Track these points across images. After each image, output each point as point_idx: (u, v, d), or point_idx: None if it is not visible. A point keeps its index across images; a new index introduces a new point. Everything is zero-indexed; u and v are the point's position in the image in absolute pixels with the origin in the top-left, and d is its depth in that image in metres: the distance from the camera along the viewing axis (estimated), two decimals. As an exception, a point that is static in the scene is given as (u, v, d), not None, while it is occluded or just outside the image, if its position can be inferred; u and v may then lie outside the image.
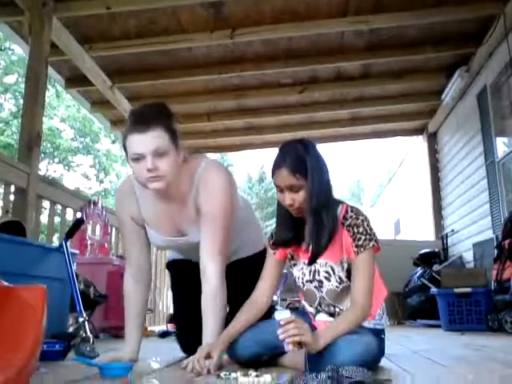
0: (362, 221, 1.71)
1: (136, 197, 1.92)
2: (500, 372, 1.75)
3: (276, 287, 1.94)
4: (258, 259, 1.98)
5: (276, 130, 6.69)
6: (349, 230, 1.70)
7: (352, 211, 1.75)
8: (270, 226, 21.96)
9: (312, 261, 1.76)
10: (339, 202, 1.78)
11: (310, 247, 1.73)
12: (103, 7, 3.79)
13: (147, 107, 1.78)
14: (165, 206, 1.90)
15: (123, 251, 4.04)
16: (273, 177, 1.74)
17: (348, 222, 1.71)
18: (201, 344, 1.73)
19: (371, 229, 1.72)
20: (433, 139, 6.94)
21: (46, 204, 3.69)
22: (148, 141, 1.66)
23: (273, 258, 1.88)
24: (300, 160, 1.67)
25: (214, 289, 1.83)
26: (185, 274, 2.25)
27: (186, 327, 2.18)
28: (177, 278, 2.39)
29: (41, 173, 3.47)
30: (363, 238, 1.68)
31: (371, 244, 1.69)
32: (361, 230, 1.69)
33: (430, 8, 4.03)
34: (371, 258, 1.70)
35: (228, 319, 1.85)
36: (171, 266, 2.40)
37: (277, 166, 1.71)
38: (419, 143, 7.68)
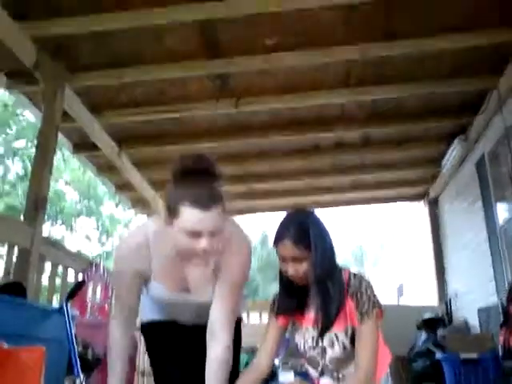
0: (366, 288, 1.72)
1: (149, 250, 1.81)
2: None
3: (277, 352, 1.91)
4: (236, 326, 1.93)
5: (279, 195, 6.76)
6: (352, 298, 1.71)
7: (355, 278, 1.75)
8: (272, 289, 21.56)
9: (322, 333, 1.74)
10: (342, 269, 1.80)
11: (320, 320, 1.73)
12: (115, 77, 3.96)
13: (209, 184, 1.68)
14: (181, 261, 1.83)
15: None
16: (275, 247, 1.75)
17: (352, 290, 1.72)
18: None
19: (374, 295, 1.72)
20: (434, 205, 6.98)
21: (48, 265, 3.69)
22: (208, 220, 1.61)
23: (275, 324, 1.87)
24: (303, 231, 1.70)
25: (224, 353, 1.78)
26: (172, 337, 2.05)
27: None
28: (161, 342, 2.08)
29: (44, 234, 3.50)
30: (367, 305, 1.68)
31: (375, 311, 1.69)
32: (364, 297, 1.70)
33: (430, 80, 4.17)
34: (375, 324, 1.70)
35: None
36: (149, 328, 2.13)
37: (280, 238, 1.73)
38: (420, 208, 7.73)
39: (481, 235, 5.26)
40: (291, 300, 1.81)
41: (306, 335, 1.80)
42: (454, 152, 5.29)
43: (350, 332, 1.71)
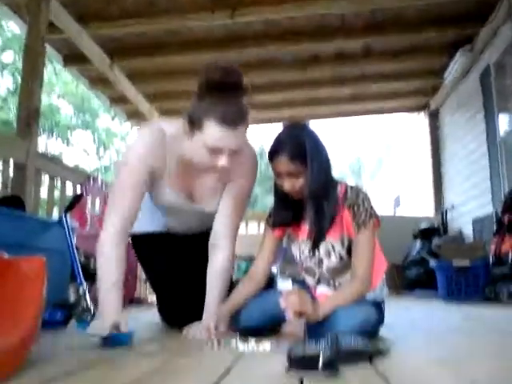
0: (363, 199, 1.71)
1: (165, 151, 1.75)
2: (497, 341, 1.77)
3: (274, 262, 1.95)
4: None
5: (277, 107, 6.63)
6: (349, 210, 1.70)
7: (352, 190, 1.74)
8: (269, 201, 21.95)
9: (314, 246, 1.76)
10: (338, 182, 1.78)
11: (312, 233, 1.73)
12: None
13: (236, 100, 1.62)
14: (193, 170, 1.80)
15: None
16: (271, 162, 1.72)
17: (349, 202, 1.71)
18: (192, 316, 1.74)
19: (371, 207, 1.72)
20: (434, 116, 6.89)
21: (46, 179, 3.68)
22: (233, 138, 1.59)
23: (271, 236, 1.88)
24: (299, 146, 1.65)
25: (227, 259, 1.86)
26: (172, 247, 2.09)
27: (179, 300, 2.05)
28: (161, 252, 2.10)
29: (40, 150, 3.45)
30: (363, 215, 1.68)
31: (371, 221, 1.69)
32: (361, 208, 1.69)
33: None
34: (372, 235, 1.71)
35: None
36: (144, 240, 2.12)
37: (275, 153, 1.68)
38: (420, 120, 7.63)
39: (480, 147, 5.25)
40: (286, 213, 1.81)
41: (302, 246, 1.82)
42: (457, 63, 5.12)
43: (346, 243, 1.73)
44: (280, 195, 1.78)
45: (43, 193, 3.77)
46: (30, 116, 3.40)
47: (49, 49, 4.45)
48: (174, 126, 1.75)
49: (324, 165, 1.70)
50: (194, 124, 1.59)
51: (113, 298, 1.61)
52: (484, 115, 5.11)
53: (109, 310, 1.58)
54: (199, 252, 1.98)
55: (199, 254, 1.98)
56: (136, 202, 1.73)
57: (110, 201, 1.77)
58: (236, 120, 1.57)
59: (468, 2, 4.23)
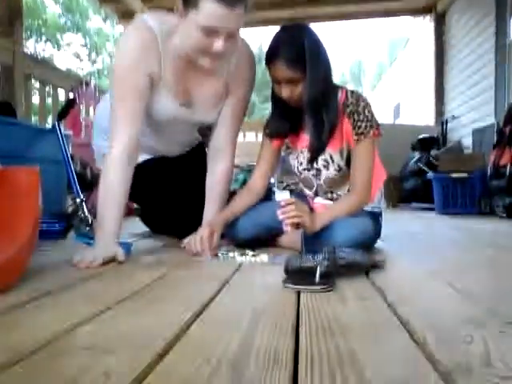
0: (364, 107, 1.64)
1: (159, 51, 1.60)
2: (490, 253, 1.81)
3: (272, 173, 1.92)
4: None
5: (276, 6, 6.26)
6: (349, 117, 1.64)
7: (352, 96, 1.66)
8: (268, 108, 21.59)
9: (313, 158, 1.72)
10: (338, 87, 1.70)
11: (312, 145, 1.68)
12: None
13: None
14: (190, 71, 1.67)
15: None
16: (268, 67, 1.61)
17: (349, 109, 1.64)
18: (191, 226, 1.74)
19: (372, 115, 1.66)
20: (441, 19, 6.55)
21: (36, 85, 3.55)
22: (231, 19, 1.45)
23: (269, 146, 1.83)
24: (298, 50, 1.54)
25: (228, 169, 1.84)
26: (161, 173, 2.00)
27: (171, 213, 2.01)
28: (150, 182, 1.98)
29: (28, 51, 3.27)
30: (364, 125, 1.63)
31: (372, 131, 1.64)
32: (361, 116, 1.63)
33: None
34: (371, 145, 1.66)
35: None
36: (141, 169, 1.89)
37: (273, 57, 1.57)
38: (426, 24, 7.25)
39: (488, 52, 5.04)
40: (284, 122, 1.74)
41: (300, 157, 1.78)
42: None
43: (345, 153, 1.69)
44: (278, 103, 1.71)
45: (35, 100, 3.65)
46: (12, 14, 3.20)
47: None
48: (162, 21, 1.60)
49: (324, 70, 1.61)
50: (189, 2, 1.45)
51: (112, 229, 1.50)
52: (495, 16, 4.84)
53: (106, 242, 1.48)
54: (190, 171, 1.96)
55: (190, 173, 1.96)
56: (139, 111, 1.60)
57: (111, 117, 1.61)
58: None
59: None
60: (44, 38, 16.72)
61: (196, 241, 1.59)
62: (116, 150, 1.55)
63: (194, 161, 1.99)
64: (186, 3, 1.46)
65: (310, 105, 1.60)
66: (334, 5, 6.33)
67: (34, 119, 4.00)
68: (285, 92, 1.60)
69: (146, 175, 1.89)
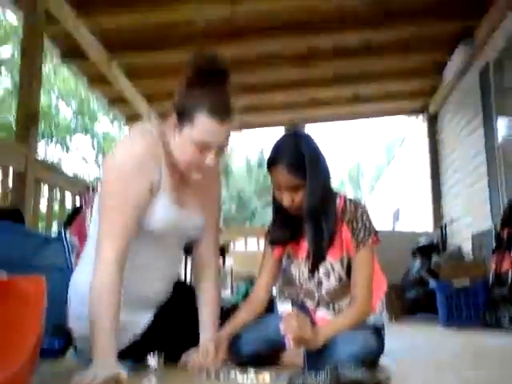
0: (362, 214, 1.69)
1: (161, 158, 1.58)
2: (497, 372, 1.76)
3: (274, 283, 1.93)
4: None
5: (276, 109, 6.60)
6: (348, 225, 1.69)
7: (351, 204, 1.72)
8: (268, 214, 21.79)
9: (314, 267, 1.73)
10: (337, 194, 1.76)
11: (312, 254, 1.71)
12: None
13: (226, 91, 1.55)
14: (182, 178, 1.66)
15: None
16: (269, 172, 1.68)
17: (348, 217, 1.69)
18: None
19: (370, 222, 1.70)
20: (433, 120, 6.84)
21: (45, 189, 3.65)
22: (223, 133, 1.52)
23: (270, 255, 1.86)
24: (298, 157, 1.62)
25: (218, 283, 1.82)
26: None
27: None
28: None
29: (40, 156, 3.43)
30: (362, 232, 1.67)
31: (371, 239, 1.67)
32: (360, 224, 1.68)
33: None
34: (371, 253, 1.69)
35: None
36: None
37: (274, 164, 1.65)
38: (419, 124, 7.59)
39: (479, 154, 5.14)
40: (285, 230, 1.78)
41: (301, 266, 1.79)
42: (457, 58, 5.04)
43: (345, 262, 1.71)
44: (278, 210, 1.75)
45: (42, 204, 3.73)
46: (28, 119, 3.34)
47: (46, 43, 4.36)
48: (161, 129, 1.63)
49: (323, 178, 1.68)
50: (184, 117, 1.50)
51: (109, 344, 1.41)
52: (483, 117, 5.01)
53: (105, 360, 1.39)
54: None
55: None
56: (135, 224, 1.52)
57: (103, 222, 1.51)
58: (228, 111, 1.52)
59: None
60: (54, 140, 17.38)
61: (200, 356, 1.56)
62: (105, 262, 1.47)
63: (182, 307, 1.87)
64: (181, 119, 1.51)
65: (309, 212, 1.65)
66: (330, 106, 6.64)
67: (40, 224, 4.06)
68: (285, 199, 1.66)
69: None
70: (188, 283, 2.38)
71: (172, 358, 1.70)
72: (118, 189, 1.51)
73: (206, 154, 1.52)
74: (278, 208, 1.75)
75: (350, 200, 1.75)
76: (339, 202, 1.73)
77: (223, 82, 1.54)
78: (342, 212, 1.70)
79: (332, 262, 1.72)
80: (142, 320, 1.72)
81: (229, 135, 1.56)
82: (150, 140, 1.57)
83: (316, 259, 1.71)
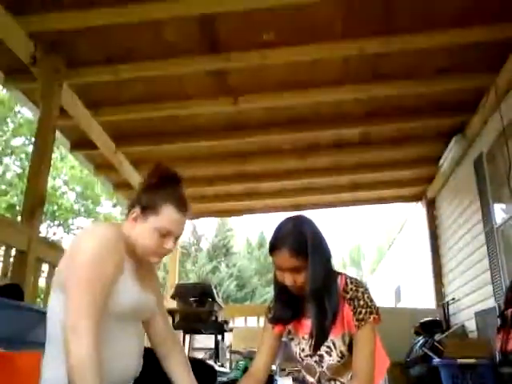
0: (363, 293, 1.70)
1: (123, 247, 1.71)
2: None
3: (274, 359, 1.90)
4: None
5: (277, 195, 6.77)
6: (349, 304, 1.69)
7: (352, 283, 1.74)
8: (270, 292, 21.51)
9: (317, 346, 1.72)
10: (338, 274, 1.78)
11: (314, 334, 1.70)
12: (111, 73, 3.96)
13: (183, 192, 1.84)
14: (138, 272, 1.79)
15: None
16: (271, 255, 1.71)
17: (349, 296, 1.70)
18: None
19: (371, 300, 1.71)
20: (431, 205, 6.97)
21: (45, 267, 3.66)
22: (183, 225, 1.78)
23: (270, 332, 1.85)
24: (300, 241, 1.66)
25: (182, 348, 1.92)
26: None
27: None
28: None
29: (41, 235, 3.48)
30: (364, 311, 1.67)
31: (372, 317, 1.67)
32: (361, 302, 1.68)
33: (425, 78, 4.19)
34: (372, 331, 1.68)
35: None
36: None
37: (276, 247, 1.68)
38: (418, 209, 7.73)
39: (478, 237, 5.25)
40: (287, 309, 1.79)
41: (302, 343, 1.78)
42: (451, 150, 5.27)
43: (347, 339, 1.70)
44: (280, 290, 1.77)
45: (41, 281, 3.72)
46: (35, 203, 3.45)
47: (57, 134, 4.62)
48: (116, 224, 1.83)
49: (325, 259, 1.70)
50: (149, 209, 1.72)
51: None
52: (479, 203, 5.15)
53: None
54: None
55: None
56: (104, 305, 1.56)
57: (76, 299, 1.53)
58: (188, 207, 1.78)
59: (462, 90, 4.45)
60: (57, 222, 17.55)
61: None
62: (84, 345, 1.44)
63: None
64: (145, 210, 1.72)
65: (312, 293, 1.66)
66: (330, 193, 6.82)
67: (39, 300, 4.02)
68: (288, 280, 1.68)
69: None
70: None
71: None
72: (89, 270, 1.56)
73: (166, 240, 1.72)
74: (279, 287, 1.77)
75: (351, 279, 1.77)
76: (340, 281, 1.75)
77: (180, 185, 1.84)
78: (344, 291, 1.72)
79: (333, 339, 1.71)
80: None
81: (185, 226, 1.81)
82: (114, 228, 1.74)
83: (319, 339, 1.70)
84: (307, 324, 1.76)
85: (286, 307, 1.78)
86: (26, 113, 14.63)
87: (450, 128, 5.12)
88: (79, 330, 1.46)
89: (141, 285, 1.77)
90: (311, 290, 1.65)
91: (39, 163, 3.60)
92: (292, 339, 1.83)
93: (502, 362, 3.64)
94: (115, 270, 1.62)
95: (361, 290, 1.71)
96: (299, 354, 1.80)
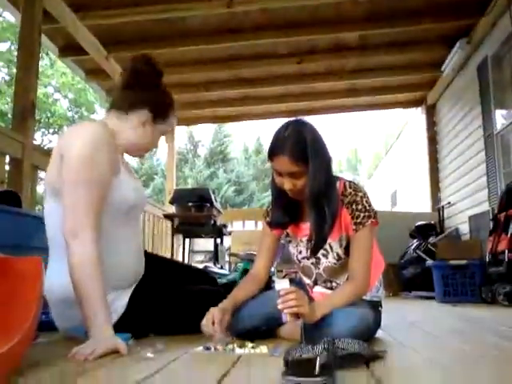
0: (361, 197, 1.70)
1: (115, 142, 1.73)
2: (494, 342, 1.78)
3: (273, 261, 1.94)
4: None
5: (273, 100, 6.64)
6: (348, 208, 1.69)
7: (350, 187, 1.73)
8: (267, 197, 21.96)
9: (315, 250, 1.74)
10: (337, 178, 1.77)
11: (313, 238, 1.71)
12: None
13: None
14: (127, 167, 1.85)
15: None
16: (270, 161, 1.68)
17: (347, 200, 1.70)
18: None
19: (370, 204, 1.71)
20: (431, 111, 6.89)
21: (42, 174, 3.66)
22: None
23: (269, 235, 1.87)
24: (300, 146, 1.61)
25: None
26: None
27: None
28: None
29: (36, 143, 3.43)
30: (362, 215, 1.67)
31: (370, 221, 1.68)
32: (360, 207, 1.68)
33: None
34: (370, 234, 1.69)
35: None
36: None
37: (276, 152, 1.64)
38: (417, 115, 7.63)
39: (477, 142, 5.24)
40: (284, 213, 1.79)
41: (300, 245, 1.81)
42: (455, 55, 5.11)
43: (344, 242, 1.72)
44: (278, 194, 1.76)
45: (40, 188, 3.74)
46: (25, 109, 3.37)
47: (44, 39, 4.42)
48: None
49: (325, 164, 1.68)
50: (160, 116, 1.86)
51: (105, 315, 1.46)
52: (481, 109, 5.10)
53: (102, 332, 1.44)
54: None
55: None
56: (103, 202, 1.57)
57: (73, 201, 1.52)
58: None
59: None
60: (51, 130, 17.38)
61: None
62: (85, 241, 1.48)
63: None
64: (156, 117, 1.84)
65: (312, 198, 1.65)
66: (330, 99, 6.70)
67: (37, 208, 4.06)
68: (287, 185, 1.66)
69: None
70: (160, 256, 2.50)
71: (157, 330, 1.83)
72: (91, 166, 1.55)
73: (160, 137, 1.95)
74: (277, 192, 1.76)
75: (350, 183, 1.76)
76: (339, 186, 1.73)
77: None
78: (342, 195, 1.71)
79: (330, 242, 1.73)
80: (123, 298, 1.76)
81: None
82: (107, 131, 1.71)
83: (318, 243, 1.72)
84: (305, 227, 1.77)
85: (285, 211, 1.78)
86: (9, 17, 13.90)
87: (454, 32, 4.91)
88: (79, 233, 1.49)
89: (134, 178, 1.86)
90: (311, 194, 1.64)
91: (26, 68, 3.46)
92: (290, 241, 1.86)
93: (491, 262, 3.78)
94: (111, 169, 1.62)
95: (360, 194, 1.70)
96: (296, 256, 1.83)
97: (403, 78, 6.10)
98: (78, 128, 1.72)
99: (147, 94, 1.82)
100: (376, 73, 5.83)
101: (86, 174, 1.53)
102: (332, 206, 1.67)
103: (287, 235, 1.86)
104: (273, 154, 1.65)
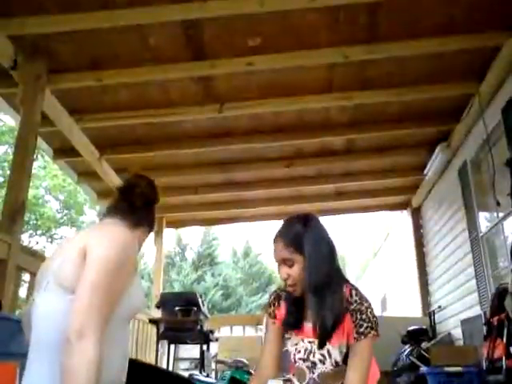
0: (366, 308, 1.70)
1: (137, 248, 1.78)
2: None
3: (280, 355, 1.86)
4: None
5: (262, 203, 6.77)
6: (352, 315, 1.68)
7: (356, 295, 1.73)
8: (256, 301, 21.52)
9: (321, 344, 1.69)
10: (346, 281, 1.77)
11: (317, 330, 1.68)
12: (94, 79, 3.90)
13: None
14: None
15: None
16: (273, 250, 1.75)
17: (352, 307, 1.69)
18: None
19: (374, 316, 1.70)
20: (417, 214, 7.03)
21: (26, 277, 3.57)
22: None
23: (272, 327, 1.84)
24: (296, 234, 1.68)
25: None
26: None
27: None
28: None
29: (23, 242, 3.40)
30: (365, 325, 1.66)
31: (372, 333, 1.66)
32: (364, 316, 1.67)
33: (410, 86, 4.22)
34: (370, 346, 1.67)
35: None
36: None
37: (275, 236, 1.72)
38: (404, 218, 7.77)
39: (463, 245, 5.29)
40: (290, 316, 1.78)
41: (298, 345, 1.76)
42: (436, 159, 5.33)
43: (344, 350, 1.68)
44: (286, 296, 1.78)
45: (22, 292, 3.63)
46: (15, 210, 3.36)
47: (40, 141, 4.55)
48: None
49: (325, 255, 1.69)
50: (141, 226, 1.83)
51: None
52: (465, 212, 5.19)
53: None
54: None
55: None
56: (115, 307, 1.55)
57: (89, 302, 1.49)
58: None
59: (446, 98, 4.48)
60: (39, 232, 17.31)
61: None
62: (94, 339, 1.42)
63: None
64: (143, 226, 1.83)
65: (310, 288, 1.66)
66: (319, 201, 6.81)
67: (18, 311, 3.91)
68: (282, 273, 1.69)
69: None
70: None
71: None
72: (114, 271, 1.53)
73: None
74: (286, 294, 1.78)
75: (356, 290, 1.75)
76: (345, 290, 1.73)
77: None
78: (347, 301, 1.70)
79: (330, 348, 1.69)
80: None
81: None
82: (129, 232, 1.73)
83: (321, 337, 1.67)
84: (307, 328, 1.74)
85: (289, 313, 1.77)
86: (9, 121, 14.47)
87: (434, 136, 5.18)
88: (86, 334, 1.42)
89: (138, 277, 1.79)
90: (311, 283, 1.65)
91: (19, 169, 3.52)
92: (289, 338, 1.81)
93: (489, 369, 3.64)
94: (131, 275, 1.60)
95: (365, 304, 1.70)
96: (294, 355, 1.77)
97: (388, 181, 6.30)
98: (106, 230, 1.72)
99: (149, 214, 1.88)
100: (362, 176, 6.04)
101: (107, 279, 1.51)
102: (336, 297, 1.67)
103: (287, 332, 1.81)
104: (274, 239, 1.73)
